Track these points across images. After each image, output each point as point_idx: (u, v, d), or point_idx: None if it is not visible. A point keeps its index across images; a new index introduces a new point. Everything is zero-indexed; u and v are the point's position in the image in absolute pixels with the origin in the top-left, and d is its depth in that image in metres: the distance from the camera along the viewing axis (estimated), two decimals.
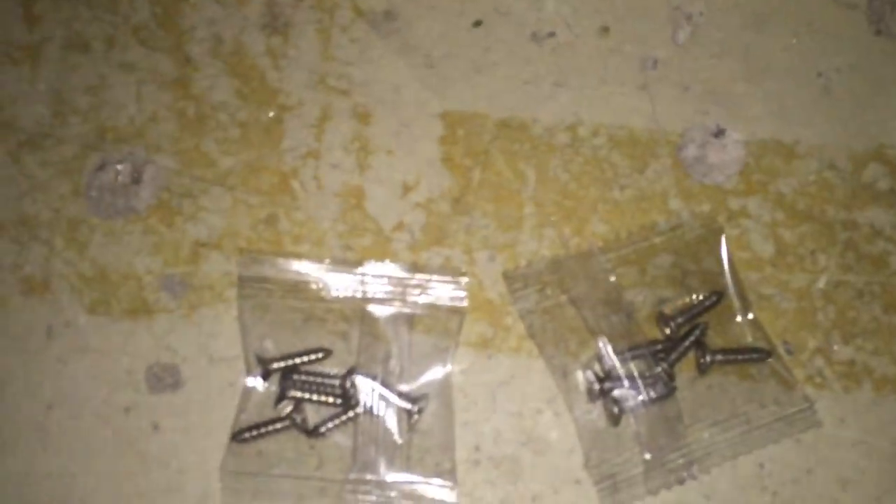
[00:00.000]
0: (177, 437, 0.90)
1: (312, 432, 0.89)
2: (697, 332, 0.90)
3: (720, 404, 0.89)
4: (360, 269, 0.91)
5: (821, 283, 0.93)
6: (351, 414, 0.89)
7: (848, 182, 0.96)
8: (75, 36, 0.99)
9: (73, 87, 0.98)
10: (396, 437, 0.88)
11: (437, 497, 0.88)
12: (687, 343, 0.90)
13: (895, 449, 0.90)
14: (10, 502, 0.89)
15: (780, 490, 0.89)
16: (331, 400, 0.89)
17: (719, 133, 0.96)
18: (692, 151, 0.96)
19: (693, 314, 0.91)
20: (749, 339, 0.91)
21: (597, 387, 0.88)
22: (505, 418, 0.91)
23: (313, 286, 0.91)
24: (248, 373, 0.90)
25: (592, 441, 0.89)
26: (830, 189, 0.95)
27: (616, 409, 0.88)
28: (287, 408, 0.89)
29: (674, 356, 0.89)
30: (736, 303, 0.92)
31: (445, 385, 0.90)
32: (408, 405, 0.89)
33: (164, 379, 0.91)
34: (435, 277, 0.91)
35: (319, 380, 0.90)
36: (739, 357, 0.90)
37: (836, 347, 0.92)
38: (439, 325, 0.91)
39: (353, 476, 0.88)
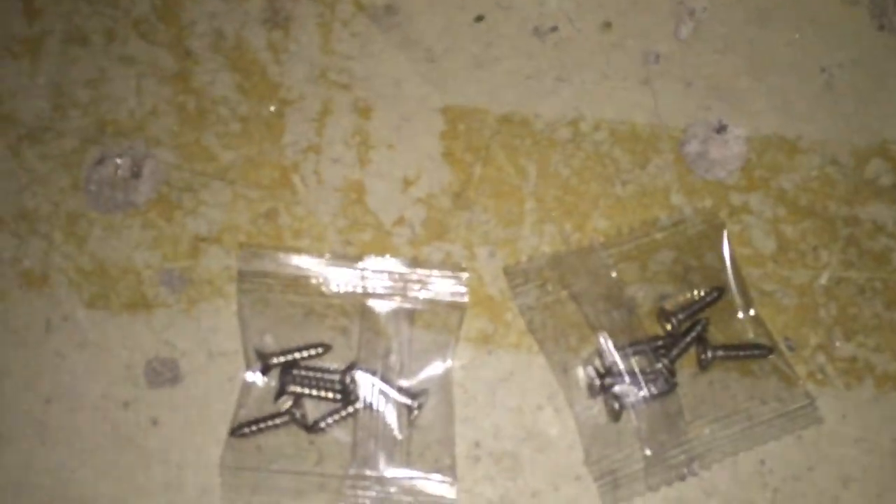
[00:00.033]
0: (176, 431, 0.90)
1: (312, 427, 0.88)
2: (699, 328, 0.89)
3: (721, 400, 0.89)
4: (360, 264, 0.91)
5: (822, 280, 0.93)
6: (351, 409, 0.88)
7: (850, 178, 0.95)
8: (75, 29, 0.99)
9: (73, 81, 0.97)
10: (396, 432, 0.88)
11: (437, 493, 0.87)
12: (688, 339, 0.89)
13: None
14: (8, 496, 0.89)
15: (781, 487, 0.89)
16: (330, 395, 0.89)
17: (721, 128, 0.96)
18: (694, 147, 0.96)
19: (694, 310, 0.91)
20: (750, 336, 0.91)
21: (597, 383, 0.88)
22: (505, 414, 0.90)
23: (313, 281, 0.91)
24: (248, 368, 0.90)
25: (593, 437, 0.89)
26: (833, 185, 0.95)
27: (617, 405, 0.88)
28: (287, 403, 0.89)
29: (675, 352, 0.89)
30: (737, 299, 0.91)
31: (445, 381, 0.90)
32: (408, 401, 0.88)
33: (163, 373, 0.91)
34: (435, 273, 0.91)
35: (319, 375, 0.89)
36: (741, 353, 0.90)
37: (837, 344, 0.92)
38: (439, 321, 0.91)
39: (352, 472, 0.87)
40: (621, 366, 0.88)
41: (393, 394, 0.88)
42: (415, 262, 0.91)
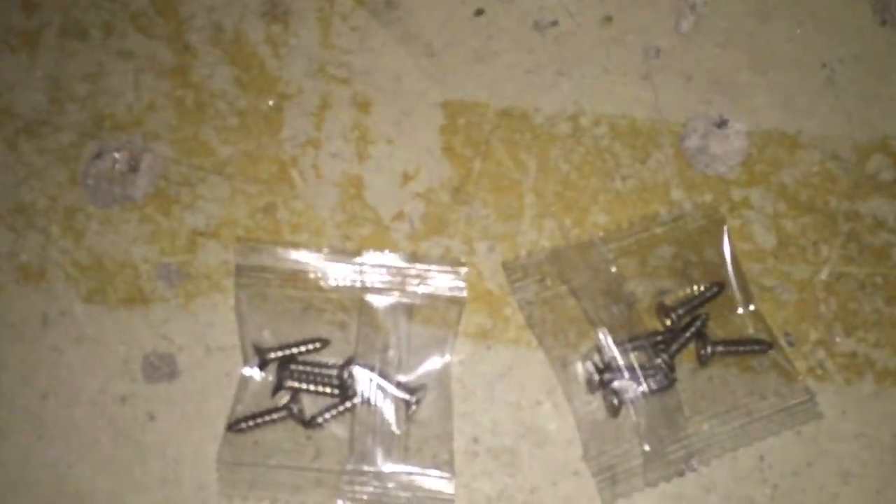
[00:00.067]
0: (173, 426, 0.90)
1: (309, 423, 0.88)
2: (698, 323, 0.89)
3: (720, 396, 0.89)
4: (358, 259, 0.91)
5: (823, 275, 0.93)
6: (348, 404, 0.88)
7: (851, 173, 0.95)
8: (73, 23, 0.99)
9: (71, 75, 0.97)
10: (394, 427, 0.88)
11: (435, 488, 0.87)
12: (688, 334, 0.89)
13: None
14: (5, 491, 0.89)
15: (780, 482, 0.89)
16: (328, 390, 0.89)
17: (722, 123, 0.96)
18: (695, 142, 0.95)
19: (694, 305, 0.90)
20: (750, 331, 0.91)
21: (596, 378, 0.88)
22: (503, 409, 0.90)
23: (312, 276, 0.90)
24: (245, 363, 0.89)
25: (591, 432, 0.88)
26: (833, 180, 0.95)
27: (615, 401, 0.87)
28: (284, 398, 0.89)
29: (674, 347, 0.89)
30: (737, 294, 0.91)
31: (444, 376, 0.89)
32: (406, 396, 0.88)
33: (161, 368, 0.91)
34: (434, 267, 0.91)
35: (317, 370, 0.89)
36: (740, 349, 0.89)
37: (837, 339, 0.91)
38: (438, 316, 0.91)
39: (350, 467, 0.87)
40: (620, 361, 0.87)
41: (391, 389, 0.88)
42: (413, 257, 0.91)
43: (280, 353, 0.89)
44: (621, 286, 0.90)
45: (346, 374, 0.88)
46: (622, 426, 0.88)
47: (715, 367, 0.90)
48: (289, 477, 0.87)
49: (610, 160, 0.95)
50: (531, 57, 0.98)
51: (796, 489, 0.89)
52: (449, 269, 0.91)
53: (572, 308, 0.91)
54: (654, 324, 0.91)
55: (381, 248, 0.91)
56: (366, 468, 0.87)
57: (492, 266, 0.93)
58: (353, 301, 0.91)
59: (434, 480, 0.87)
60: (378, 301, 0.90)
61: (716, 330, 0.90)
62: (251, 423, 0.88)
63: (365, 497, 0.87)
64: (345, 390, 0.88)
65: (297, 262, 0.91)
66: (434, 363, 0.90)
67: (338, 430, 0.88)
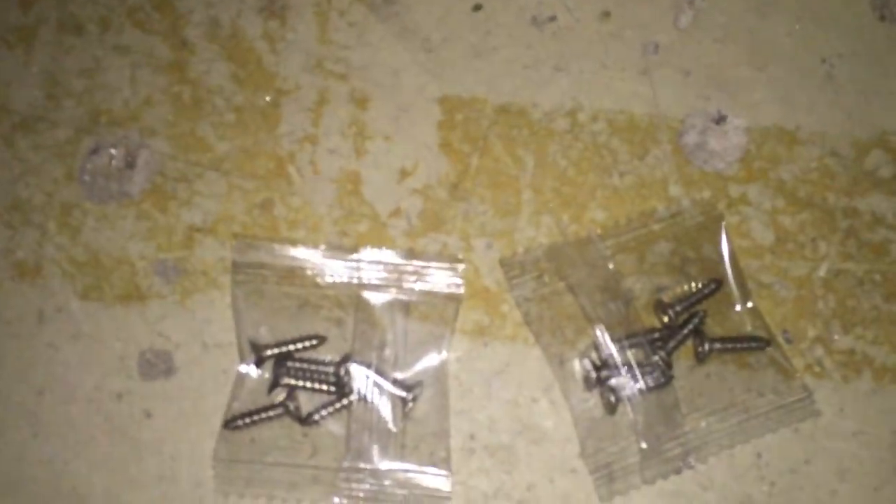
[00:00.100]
0: (169, 423, 0.90)
1: (306, 420, 0.88)
2: (696, 320, 0.89)
3: (718, 393, 0.89)
4: (355, 256, 0.91)
5: (821, 272, 0.92)
6: (345, 402, 0.88)
7: (850, 169, 0.95)
8: (70, 18, 0.98)
9: (68, 70, 0.97)
10: (391, 425, 0.88)
11: (432, 486, 0.87)
12: (685, 331, 0.89)
13: (894, 439, 0.89)
14: (1, 489, 0.89)
15: (777, 480, 0.89)
16: (325, 387, 0.88)
17: (721, 119, 0.95)
18: (693, 138, 0.95)
19: (692, 302, 0.90)
20: (748, 328, 0.90)
21: (593, 375, 0.88)
22: (500, 406, 0.90)
23: (308, 272, 0.90)
24: (242, 360, 0.89)
25: (588, 430, 0.88)
26: (832, 176, 0.94)
27: (613, 398, 0.87)
28: (280, 395, 0.89)
29: (672, 344, 0.89)
30: (735, 291, 0.91)
31: (441, 373, 0.89)
32: (402, 393, 0.88)
33: (157, 365, 0.90)
34: (431, 264, 0.91)
35: (314, 367, 0.89)
36: (738, 346, 0.89)
37: (835, 336, 0.91)
38: (435, 313, 0.90)
39: (346, 464, 0.87)
40: (618, 358, 0.87)
41: (387, 386, 0.88)
42: (411, 254, 0.91)
43: (277, 350, 0.89)
44: (619, 283, 0.90)
45: (342, 371, 0.88)
46: (619, 423, 0.88)
47: (712, 364, 0.89)
48: (285, 474, 0.87)
49: (608, 156, 0.95)
50: (529, 52, 0.98)
51: (794, 486, 0.88)
52: (446, 265, 0.90)
53: (570, 305, 0.90)
54: (651, 320, 0.91)
55: (378, 245, 0.91)
56: (362, 465, 0.87)
57: (489, 263, 0.92)
58: (350, 298, 0.90)
59: (431, 478, 0.87)
60: (375, 298, 0.90)
61: (713, 327, 0.90)
62: (248, 420, 0.87)
63: (361, 494, 0.87)
64: (341, 387, 0.88)
65: (293, 258, 0.90)
66: (431, 360, 0.89)
67: (334, 427, 0.88)
